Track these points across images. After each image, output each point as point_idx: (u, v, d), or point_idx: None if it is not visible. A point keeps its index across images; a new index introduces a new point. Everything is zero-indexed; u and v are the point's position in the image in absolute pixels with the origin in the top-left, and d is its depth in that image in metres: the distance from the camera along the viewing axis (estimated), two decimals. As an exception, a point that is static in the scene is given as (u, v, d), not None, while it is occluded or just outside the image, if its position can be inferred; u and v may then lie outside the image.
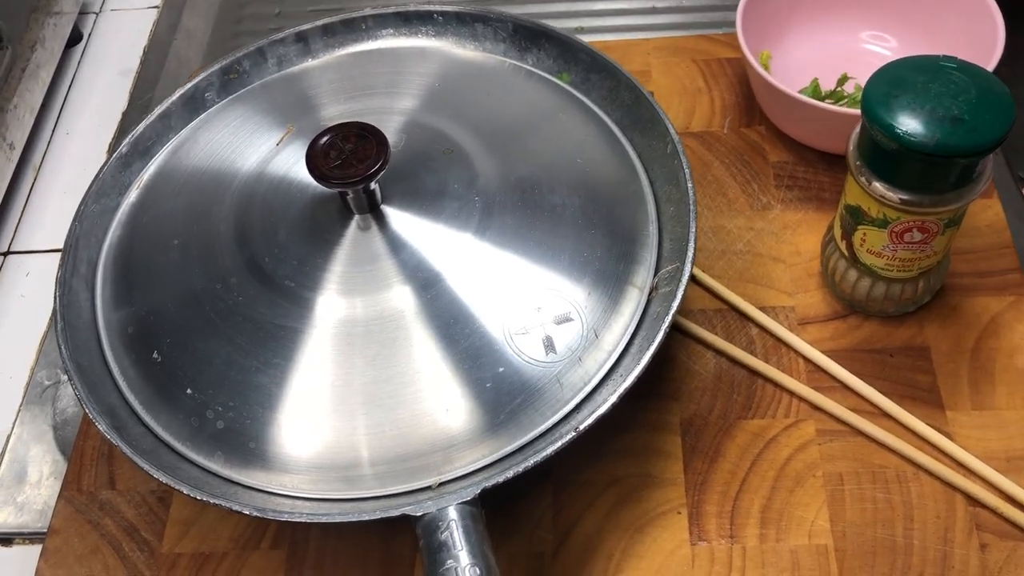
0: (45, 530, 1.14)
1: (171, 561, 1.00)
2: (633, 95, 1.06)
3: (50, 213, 1.45)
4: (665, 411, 1.04)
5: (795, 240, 1.15)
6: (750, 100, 1.28)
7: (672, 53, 1.34)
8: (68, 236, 1.01)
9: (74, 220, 1.02)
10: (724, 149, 1.24)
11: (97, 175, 1.05)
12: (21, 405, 1.25)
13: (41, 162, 1.50)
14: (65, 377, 1.27)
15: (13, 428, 1.23)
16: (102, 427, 0.87)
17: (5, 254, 1.41)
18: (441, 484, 0.84)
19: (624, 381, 0.85)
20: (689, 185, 0.96)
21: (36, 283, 1.37)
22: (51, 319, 1.32)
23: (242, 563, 0.99)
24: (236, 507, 0.81)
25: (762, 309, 1.10)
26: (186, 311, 0.93)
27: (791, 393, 1.04)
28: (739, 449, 1.01)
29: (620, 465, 1.01)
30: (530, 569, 0.96)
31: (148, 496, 1.04)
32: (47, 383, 1.27)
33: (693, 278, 1.12)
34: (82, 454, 1.09)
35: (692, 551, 0.95)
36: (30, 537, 1.15)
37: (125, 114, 1.52)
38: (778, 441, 1.01)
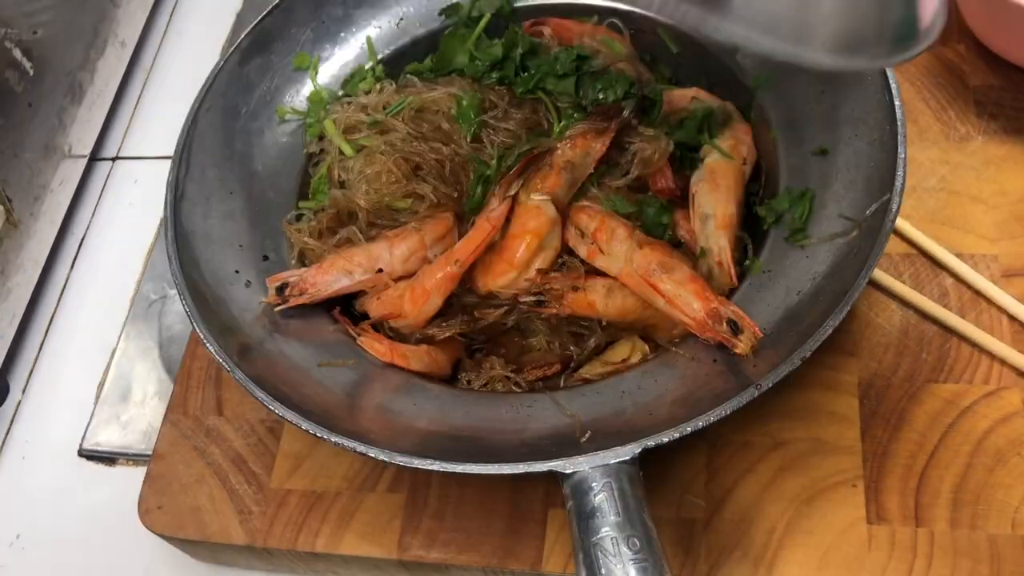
0: (147, 452, 1.07)
1: (280, 497, 0.92)
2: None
3: (161, 118, 1.36)
4: (841, 368, 0.90)
5: (1000, 178, 0.99)
6: (947, 11, 1.10)
7: (854, -42, 1.16)
8: (181, 135, 0.91)
9: (188, 119, 0.92)
10: (915, 70, 1.06)
11: (215, 70, 0.94)
12: (127, 319, 1.19)
13: (152, 63, 1.41)
14: (173, 292, 1.20)
15: (118, 343, 1.17)
16: (214, 349, 0.78)
17: (114, 159, 1.33)
18: (589, 439, 0.73)
19: (817, 333, 0.71)
20: (897, 103, 0.81)
21: (145, 191, 1.29)
22: (160, 227, 1.24)
23: (356, 505, 0.90)
24: (364, 449, 0.71)
25: (958, 256, 0.94)
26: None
27: (992, 355, 0.89)
28: (928, 417, 0.87)
29: (786, 427, 0.88)
30: (678, 537, 0.84)
31: (257, 425, 0.96)
32: (153, 297, 1.20)
33: (876, 216, 0.96)
34: (188, 375, 1.01)
35: (869, 531, 0.82)
36: (133, 458, 1.08)
37: (240, 14, 1.42)
38: (975, 411, 0.86)
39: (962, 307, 0.92)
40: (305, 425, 0.73)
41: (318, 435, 0.73)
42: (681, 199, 0.89)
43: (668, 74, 0.99)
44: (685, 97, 0.92)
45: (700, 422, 0.69)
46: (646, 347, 0.85)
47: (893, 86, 0.82)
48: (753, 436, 0.88)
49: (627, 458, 0.68)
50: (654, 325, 0.84)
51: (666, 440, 0.68)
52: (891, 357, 0.90)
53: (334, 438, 0.72)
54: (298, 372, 0.82)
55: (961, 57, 1.07)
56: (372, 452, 0.71)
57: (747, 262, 0.85)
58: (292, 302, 0.85)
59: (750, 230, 0.87)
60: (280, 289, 0.85)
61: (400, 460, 0.70)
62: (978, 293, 0.92)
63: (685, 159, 0.89)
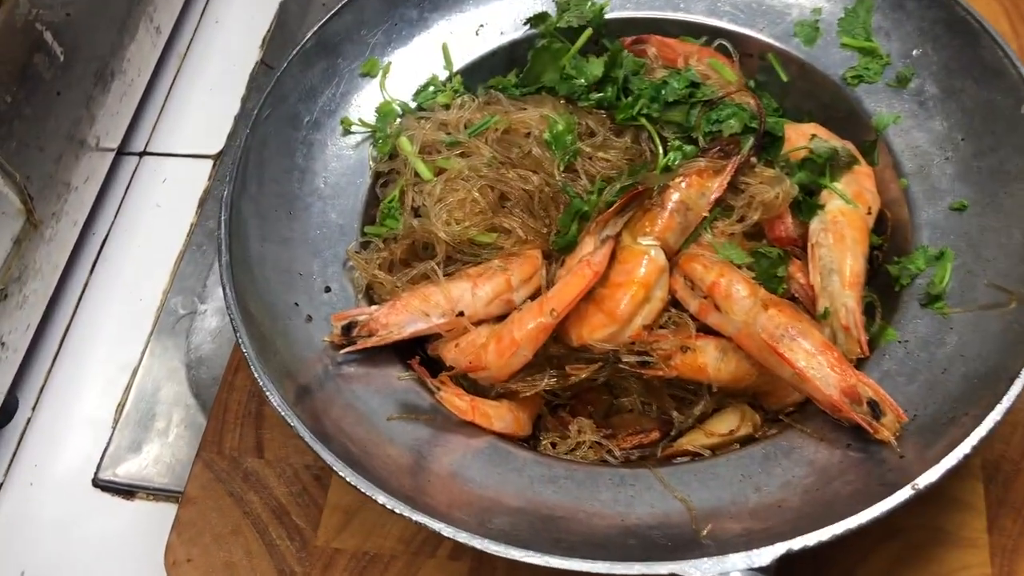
0: (171, 488, 0.97)
1: (327, 557, 0.81)
2: (966, 33, 0.80)
3: (193, 112, 1.25)
4: (963, 448, 0.80)
5: None
6: (1069, 52, 1.01)
7: (967, -14, 1.07)
8: (238, 147, 0.80)
9: (245, 126, 0.82)
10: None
11: (277, 74, 0.84)
12: (151, 335, 1.08)
13: (187, 51, 1.30)
14: (203, 307, 1.09)
15: (141, 360, 1.06)
16: (275, 401, 0.68)
17: (141, 154, 1.22)
18: (710, 534, 0.63)
19: (982, 425, 0.62)
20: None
21: (174, 191, 1.18)
22: (190, 232, 1.14)
23: (414, 572, 0.80)
24: (453, 534, 0.61)
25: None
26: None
27: None
28: (1062, 510, 0.77)
29: (902, 513, 0.78)
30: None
31: (302, 471, 0.86)
32: (182, 312, 1.09)
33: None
34: (225, 409, 0.91)
35: (1000, 637, 0.73)
36: (155, 493, 0.98)
37: (283, 6, 1.31)
38: (1116, 507, 0.77)
39: (1098, 385, 0.82)
40: (383, 499, 0.63)
41: (397, 511, 0.62)
42: (798, 249, 0.79)
43: (775, 105, 0.89)
44: (803, 134, 0.82)
45: (851, 524, 0.59)
46: (756, 417, 0.75)
47: (1057, 143, 0.73)
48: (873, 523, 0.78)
49: (765, 563, 0.58)
50: (768, 392, 0.75)
51: (812, 544, 0.59)
52: (1020, 438, 0.81)
53: (417, 517, 0.62)
54: (365, 425, 0.72)
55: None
56: (462, 538, 0.61)
57: (874, 327, 0.75)
58: (360, 344, 0.75)
59: (875, 290, 0.78)
60: (347, 328, 0.75)
61: (495, 550, 0.61)
62: (1116, 370, 0.83)
63: (803, 204, 0.79)
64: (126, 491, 0.98)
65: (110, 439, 1.01)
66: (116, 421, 1.03)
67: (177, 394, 1.03)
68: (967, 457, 0.62)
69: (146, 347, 1.07)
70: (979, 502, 0.78)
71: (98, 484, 0.99)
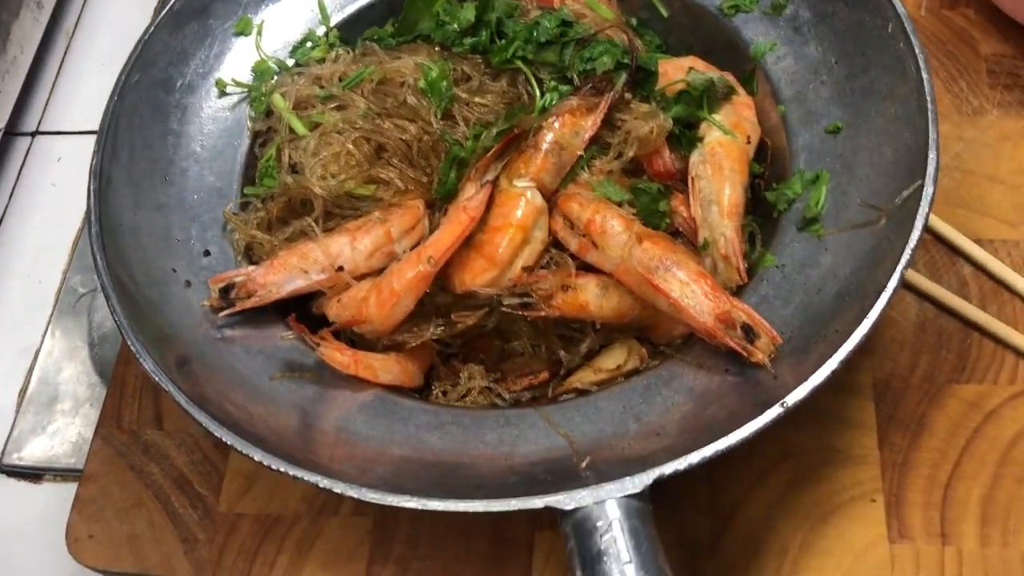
0: (79, 467, 0.96)
1: (230, 523, 0.81)
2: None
3: (85, 88, 1.22)
4: (854, 368, 0.81)
5: (1017, 155, 0.91)
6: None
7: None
8: (106, 114, 0.78)
9: (113, 94, 0.80)
10: (922, 36, 0.97)
11: (142, 38, 0.82)
12: (52, 316, 1.06)
13: (75, 27, 1.27)
14: (103, 285, 1.07)
15: (42, 343, 1.04)
16: (148, 366, 0.67)
17: (33, 134, 1.19)
18: (589, 466, 0.63)
19: (848, 340, 0.62)
20: (924, 76, 0.72)
21: (69, 170, 1.16)
22: (85, 216, 1.11)
23: (318, 530, 0.80)
24: (329, 484, 0.61)
25: (976, 242, 0.86)
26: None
27: (1017, 352, 0.81)
28: (950, 422, 0.79)
29: (796, 434, 0.80)
30: (681, 561, 0.76)
31: (202, 440, 0.85)
32: (82, 291, 1.07)
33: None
34: (122, 384, 0.90)
35: (891, 551, 0.75)
36: (62, 474, 0.96)
37: (173, -28, 1.28)
38: (1001, 414, 0.79)
39: (983, 298, 0.84)
40: (259, 456, 0.63)
41: (276, 468, 0.62)
42: (679, 183, 0.79)
43: (657, 42, 0.89)
44: (680, 68, 0.82)
45: (720, 445, 0.60)
46: (643, 351, 0.75)
47: (919, 54, 0.73)
48: (760, 445, 0.78)
49: (638, 491, 0.59)
50: (652, 326, 0.75)
51: (682, 468, 0.59)
52: (908, 355, 0.82)
53: (295, 471, 0.61)
54: (247, 387, 0.71)
55: (970, 22, 0.99)
56: (339, 488, 0.61)
57: (754, 254, 0.76)
58: (239, 306, 0.74)
59: (758, 217, 0.78)
60: (225, 291, 0.74)
61: (372, 497, 0.60)
62: (1000, 283, 0.85)
63: (682, 138, 0.79)
64: (32, 474, 0.97)
65: (14, 424, 0.99)
66: (19, 406, 1.01)
67: (80, 373, 1.01)
68: (835, 373, 0.62)
69: (47, 329, 1.05)
70: (870, 420, 0.80)
71: (3, 469, 0.97)
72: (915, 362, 0.82)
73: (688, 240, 0.78)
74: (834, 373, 0.62)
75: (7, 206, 1.14)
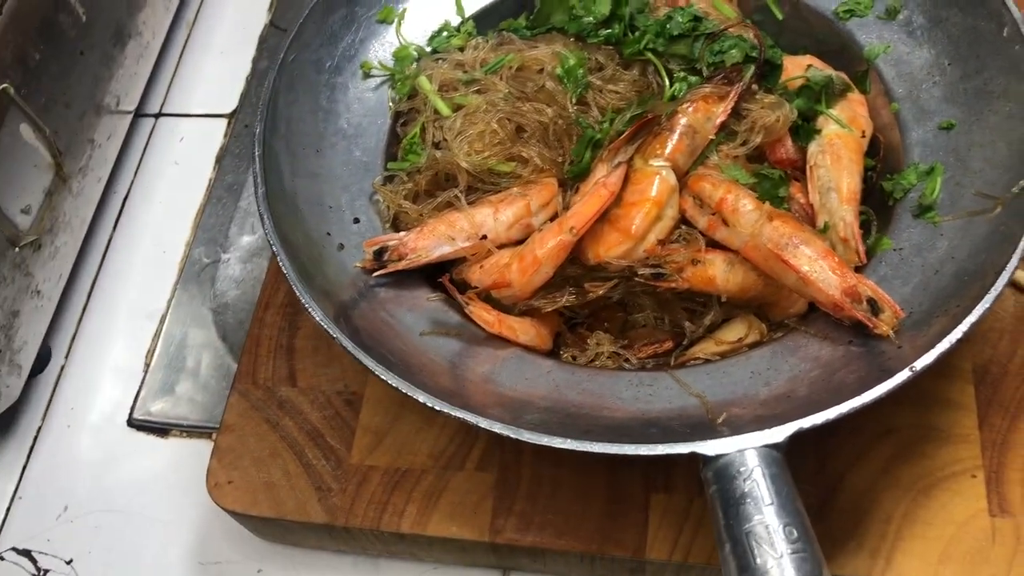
0: (205, 424, 1.02)
1: (361, 474, 0.86)
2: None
3: (205, 74, 1.29)
4: (954, 354, 0.85)
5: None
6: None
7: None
8: (266, 89, 0.85)
9: (272, 72, 0.86)
10: None
11: (300, 21, 0.88)
12: (177, 284, 1.12)
13: (197, 15, 1.34)
14: (226, 256, 1.14)
15: (169, 309, 1.11)
16: (318, 316, 0.72)
17: (157, 116, 1.26)
18: (725, 422, 0.68)
19: (972, 313, 0.67)
20: (1040, 76, 0.77)
21: (191, 150, 1.23)
22: (209, 187, 1.18)
23: (444, 484, 0.85)
24: (488, 425, 0.66)
25: (1072, 240, 0.90)
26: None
27: (1112, 345, 0.85)
28: (1048, 406, 0.83)
29: (897, 413, 0.84)
30: (790, 526, 0.80)
31: (334, 398, 0.91)
32: (206, 261, 1.14)
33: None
34: (257, 343, 0.95)
35: (992, 524, 0.79)
36: (188, 430, 1.03)
37: (289, -31, 1.35)
38: (1096, 401, 0.83)
39: (1079, 293, 0.88)
40: (423, 398, 0.68)
41: (437, 408, 0.67)
42: (798, 171, 0.84)
43: (770, 43, 0.94)
44: (800, 65, 0.87)
45: (856, 403, 0.64)
46: (763, 326, 0.80)
47: (1034, 57, 0.78)
48: (863, 421, 0.84)
49: (779, 440, 0.64)
50: (773, 303, 0.80)
51: (822, 422, 0.64)
52: (1007, 344, 0.87)
53: (457, 412, 0.67)
54: (400, 340, 0.77)
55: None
56: (498, 428, 0.66)
57: (871, 240, 0.81)
58: (391, 267, 0.80)
59: (871, 207, 0.83)
60: (378, 253, 0.80)
61: (529, 437, 0.66)
62: (1095, 279, 0.89)
63: (801, 130, 0.85)
64: (160, 429, 1.03)
65: (142, 382, 1.06)
66: (147, 366, 1.07)
67: (205, 338, 1.08)
68: (959, 341, 0.67)
69: (172, 296, 1.12)
70: (970, 402, 0.84)
71: (133, 424, 1.04)
72: (1014, 350, 0.86)
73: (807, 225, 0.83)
74: (959, 342, 0.67)
75: (133, 182, 1.21)
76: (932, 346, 0.67)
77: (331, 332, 0.71)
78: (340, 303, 0.77)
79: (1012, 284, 0.89)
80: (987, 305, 0.67)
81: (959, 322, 0.67)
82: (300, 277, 0.74)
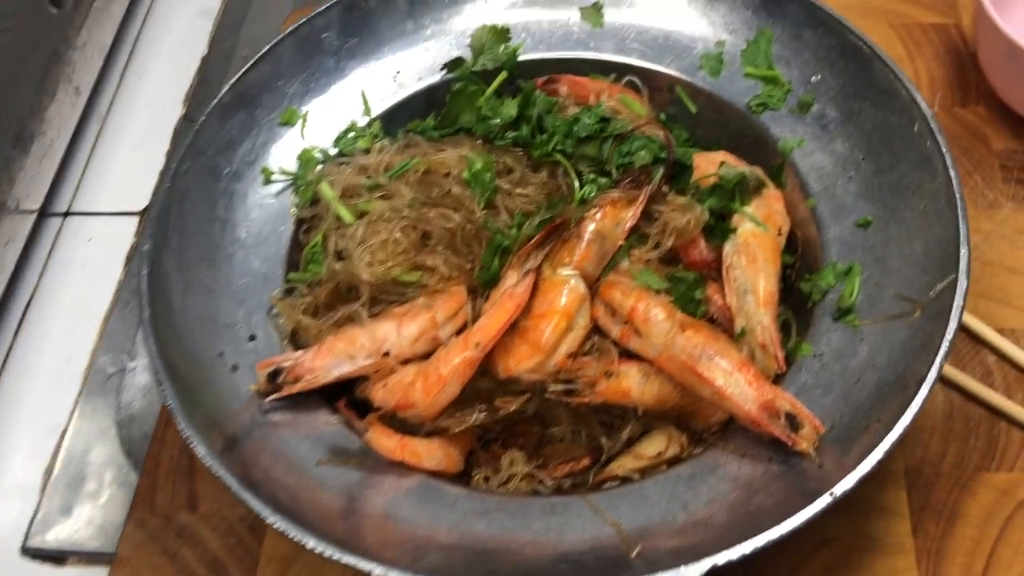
0: (107, 551, 0.95)
1: (266, 608, 0.80)
2: (860, 58, 0.84)
3: (117, 170, 1.24)
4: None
5: (1034, 247, 0.94)
6: (962, 74, 1.06)
7: (863, 15, 1.12)
8: (156, 201, 0.81)
9: (164, 181, 0.82)
10: (937, 132, 1.02)
11: (195, 128, 0.84)
12: (80, 395, 1.06)
13: (108, 111, 1.30)
14: (133, 364, 1.08)
15: (70, 422, 1.04)
16: (202, 452, 0.67)
17: (65, 215, 1.21)
18: (640, 555, 0.64)
19: (894, 430, 0.64)
20: (952, 173, 0.75)
21: (99, 251, 1.17)
22: (118, 291, 1.12)
23: (355, 617, 0.79)
24: (383, 572, 0.61)
25: (999, 331, 0.89)
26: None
27: (1044, 441, 0.83)
28: (982, 510, 0.80)
29: (832, 521, 0.80)
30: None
31: (236, 524, 0.85)
32: (111, 370, 1.08)
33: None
34: (156, 465, 0.90)
35: (931, 639, 0.75)
36: (88, 557, 0.96)
37: (205, 60, 1.32)
38: (1033, 503, 0.80)
39: (1008, 387, 0.86)
40: (312, 543, 0.63)
41: (329, 555, 0.62)
42: (714, 272, 0.82)
43: (685, 135, 0.93)
44: (713, 161, 0.85)
45: (772, 535, 0.61)
46: (683, 438, 0.76)
47: (946, 153, 0.76)
48: (796, 532, 0.80)
49: (694, 579, 0.59)
50: (693, 413, 0.76)
51: (736, 558, 0.60)
52: (937, 443, 0.84)
53: (349, 558, 0.62)
54: (294, 471, 0.71)
55: (981, 119, 1.03)
56: (394, 575, 0.61)
57: (790, 343, 0.78)
58: (286, 390, 0.75)
59: (791, 306, 0.80)
60: (272, 375, 0.75)
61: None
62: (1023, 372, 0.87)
63: (716, 229, 0.82)
64: (56, 557, 0.96)
65: (39, 504, 0.99)
66: (45, 485, 1.00)
67: (108, 454, 1.01)
68: (880, 463, 0.64)
69: (75, 408, 1.05)
70: (903, 507, 0.81)
71: (27, 551, 0.96)
72: (945, 449, 0.83)
73: (724, 328, 0.80)
74: (879, 463, 0.63)
75: (37, 285, 1.15)
76: (853, 467, 0.64)
77: (215, 471, 0.66)
78: (229, 434, 0.71)
79: (940, 379, 0.87)
80: (908, 421, 0.64)
81: (881, 438, 0.64)
82: (184, 409, 0.69)
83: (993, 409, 0.85)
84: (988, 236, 0.95)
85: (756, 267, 0.79)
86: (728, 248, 0.81)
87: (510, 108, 0.84)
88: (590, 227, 0.77)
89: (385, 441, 0.73)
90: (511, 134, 0.84)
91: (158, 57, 1.34)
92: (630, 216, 0.78)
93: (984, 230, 0.95)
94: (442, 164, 0.83)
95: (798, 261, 0.83)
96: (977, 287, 0.92)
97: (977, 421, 0.85)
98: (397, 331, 0.76)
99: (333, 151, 0.90)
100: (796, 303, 0.81)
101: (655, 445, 0.76)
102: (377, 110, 0.92)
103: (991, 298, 0.91)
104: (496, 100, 0.87)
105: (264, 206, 0.87)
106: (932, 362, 0.67)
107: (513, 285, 0.75)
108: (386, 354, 0.75)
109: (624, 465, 0.75)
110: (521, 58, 0.94)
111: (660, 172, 0.80)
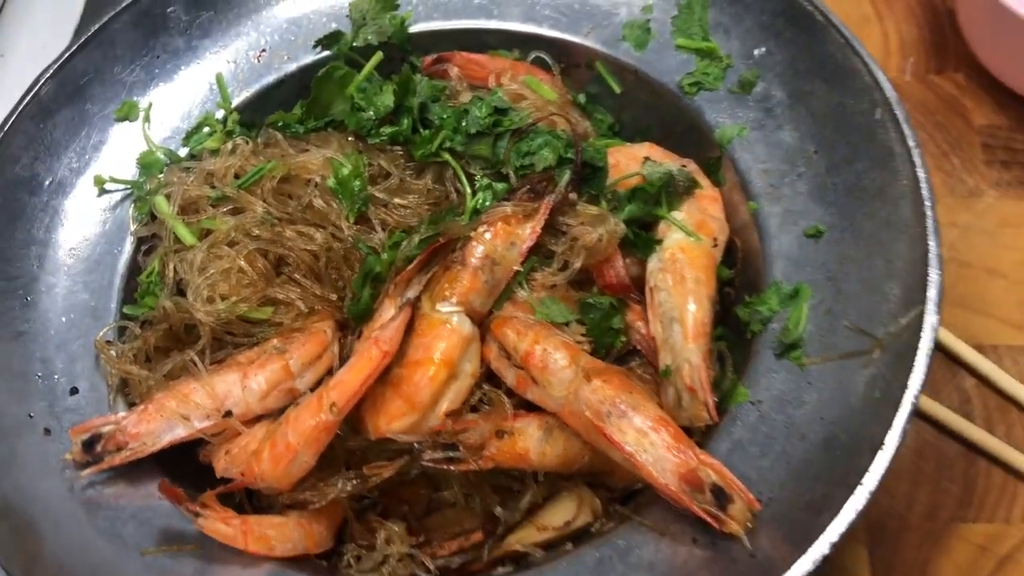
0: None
1: None
2: (812, 27, 0.69)
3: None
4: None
5: (1020, 243, 0.80)
6: (938, 36, 0.91)
7: (825, -34, 0.96)
8: (-50, 224, 0.66)
9: (-38, 198, 0.67)
10: (908, 105, 0.86)
11: (5, 129, 0.70)
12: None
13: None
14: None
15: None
16: (-24, 558, 0.53)
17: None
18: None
19: (841, 515, 0.51)
20: (921, 174, 0.61)
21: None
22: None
23: None
24: None
25: (978, 348, 0.75)
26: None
27: (1031, 482, 0.70)
28: (958, 570, 0.68)
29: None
30: None
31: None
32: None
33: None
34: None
35: None
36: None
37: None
38: (1017, 560, 0.68)
39: (988, 418, 0.74)
40: None
41: None
42: (636, 293, 0.68)
43: (609, 120, 0.78)
44: (634, 157, 0.70)
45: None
46: (596, 502, 0.63)
47: (914, 148, 0.62)
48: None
49: None
50: (609, 471, 0.63)
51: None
52: (905, 487, 0.71)
53: None
54: (116, 565, 0.58)
55: (961, 89, 0.88)
56: None
57: (725, 381, 0.64)
58: (106, 462, 0.61)
59: (727, 333, 0.67)
60: (89, 444, 0.61)
61: None
62: (1007, 398, 0.74)
63: (638, 240, 0.68)
64: None
65: None
66: None
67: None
68: (825, 557, 0.51)
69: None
70: (863, 569, 0.68)
71: None
72: (914, 496, 0.71)
73: (647, 360, 0.66)
74: (824, 557, 0.50)
75: None
76: (794, 559, 0.50)
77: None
78: (29, 519, 0.58)
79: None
80: (861, 504, 0.51)
81: (827, 524, 0.51)
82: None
83: (971, 445, 0.72)
84: (967, 231, 0.81)
85: (685, 289, 0.65)
86: (652, 265, 0.67)
87: (386, 96, 0.69)
88: (478, 250, 0.62)
89: (223, 528, 0.59)
90: (388, 129, 0.69)
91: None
92: (528, 234, 0.63)
93: (962, 223, 0.81)
94: (303, 169, 0.68)
95: (737, 277, 0.69)
96: (953, 293, 0.78)
97: (952, 460, 0.72)
98: (241, 383, 0.62)
99: (183, 151, 0.75)
100: (735, 326, 0.67)
101: (562, 513, 0.62)
102: (237, 99, 0.77)
103: (968, 307, 0.77)
104: (372, 86, 0.72)
105: (96, 223, 0.72)
106: (891, 419, 0.53)
107: (380, 328, 0.61)
108: (228, 413, 0.61)
109: (524, 539, 0.62)
110: (412, 30, 0.78)
111: (566, 176, 0.65)
